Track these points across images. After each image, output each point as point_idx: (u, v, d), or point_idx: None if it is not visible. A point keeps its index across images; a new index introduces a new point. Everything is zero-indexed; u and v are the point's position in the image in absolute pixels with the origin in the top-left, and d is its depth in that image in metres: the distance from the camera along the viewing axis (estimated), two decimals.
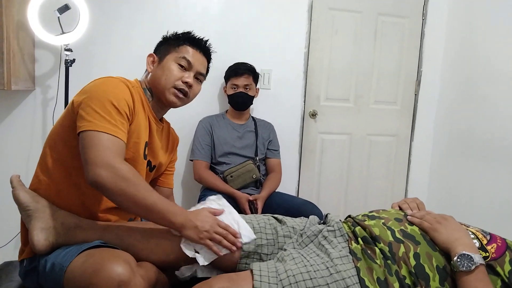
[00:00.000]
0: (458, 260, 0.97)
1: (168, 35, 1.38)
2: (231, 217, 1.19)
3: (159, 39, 2.42)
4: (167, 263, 1.15)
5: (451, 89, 2.88)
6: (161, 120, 1.41)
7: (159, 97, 1.31)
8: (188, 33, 1.36)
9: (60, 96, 2.33)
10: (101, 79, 1.18)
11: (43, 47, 2.35)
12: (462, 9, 2.80)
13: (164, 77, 1.27)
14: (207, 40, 1.38)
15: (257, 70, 2.46)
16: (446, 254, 1.02)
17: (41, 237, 1.07)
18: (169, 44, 1.33)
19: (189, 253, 1.10)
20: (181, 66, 1.29)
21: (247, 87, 2.37)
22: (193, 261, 1.11)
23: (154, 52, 1.37)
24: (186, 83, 1.28)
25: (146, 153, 1.29)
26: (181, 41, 1.32)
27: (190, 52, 1.30)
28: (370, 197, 3.02)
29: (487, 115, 2.51)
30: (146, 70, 1.35)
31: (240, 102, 2.39)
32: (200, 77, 1.35)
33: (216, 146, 2.35)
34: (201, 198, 2.24)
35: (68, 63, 2.20)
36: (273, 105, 2.73)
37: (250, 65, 2.42)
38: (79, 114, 1.08)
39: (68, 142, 1.15)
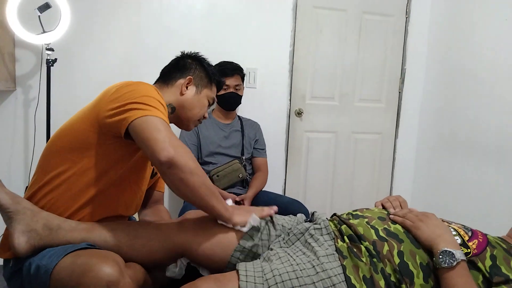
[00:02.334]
0: (440, 256, 0.98)
1: (195, 57, 1.43)
2: None
3: (143, 37, 2.44)
4: (152, 263, 1.15)
5: (435, 87, 2.92)
6: None
7: (180, 119, 1.39)
8: (216, 72, 1.45)
9: (42, 96, 2.29)
10: (133, 83, 1.17)
11: (24, 47, 2.31)
12: (444, 7, 2.84)
13: (198, 110, 1.38)
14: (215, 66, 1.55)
15: (243, 69, 2.45)
16: (430, 251, 1.04)
17: (22, 240, 1.06)
18: (203, 75, 1.40)
19: (247, 227, 1.18)
20: (209, 103, 1.44)
21: (237, 87, 2.36)
22: (178, 258, 1.15)
23: (186, 72, 1.38)
24: (205, 118, 1.45)
25: None
26: (214, 79, 1.43)
27: (215, 94, 1.47)
28: (356, 194, 3.05)
29: (471, 112, 2.55)
30: (169, 86, 1.36)
31: (232, 102, 2.39)
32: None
33: (202, 146, 2.34)
34: None
35: (50, 63, 2.16)
36: (259, 104, 2.73)
37: (238, 64, 2.41)
38: (123, 110, 1.08)
39: (87, 147, 1.14)
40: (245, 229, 1.16)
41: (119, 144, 1.14)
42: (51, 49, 2.15)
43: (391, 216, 1.17)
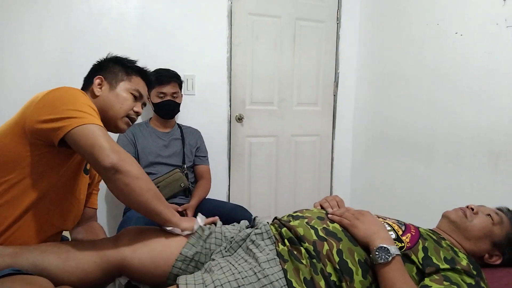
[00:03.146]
0: (377, 253, 1.02)
1: (111, 58, 1.36)
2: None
3: (72, 47, 2.32)
4: (88, 285, 1.09)
5: (366, 89, 3.07)
6: None
7: (105, 122, 1.29)
8: (135, 62, 1.37)
9: None
10: (61, 89, 1.13)
11: None
12: (372, 12, 2.99)
13: (119, 106, 1.29)
14: (151, 73, 1.44)
15: (180, 76, 2.41)
16: (367, 248, 1.07)
17: None
18: (117, 69, 1.32)
19: (196, 227, 1.21)
20: (134, 96, 1.32)
21: (174, 94, 2.31)
22: (115, 278, 1.12)
23: (98, 73, 1.31)
24: (137, 112, 1.33)
25: (88, 167, 1.31)
26: (132, 70, 1.34)
27: (141, 85, 1.36)
28: (299, 196, 3.12)
29: (400, 110, 2.70)
30: (89, 90, 1.30)
31: (170, 110, 2.33)
32: (143, 105, 1.39)
33: (140, 157, 2.26)
34: (126, 212, 2.14)
35: None
36: (198, 111, 2.70)
37: (174, 71, 2.36)
38: (58, 118, 1.05)
39: (16, 160, 1.09)
40: (195, 228, 1.19)
41: (51, 152, 1.11)
42: None
43: (329, 215, 1.20)
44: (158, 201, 1.13)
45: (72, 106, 1.07)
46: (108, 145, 1.05)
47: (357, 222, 1.12)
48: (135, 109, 1.32)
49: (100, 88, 1.29)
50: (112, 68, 1.32)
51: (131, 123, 1.34)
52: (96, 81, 1.29)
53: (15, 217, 1.09)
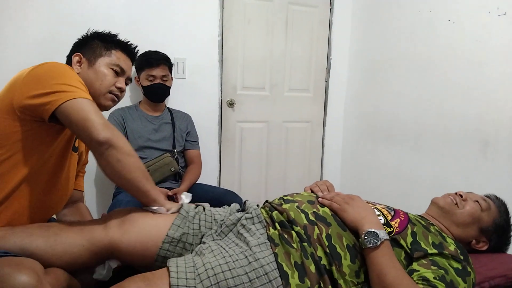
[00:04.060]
0: (365, 237, 1.03)
1: (90, 34, 1.32)
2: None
3: (58, 28, 2.25)
4: (77, 267, 1.09)
5: (358, 75, 3.06)
6: None
7: None
8: (116, 36, 1.33)
9: None
10: (48, 63, 1.12)
11: None
12: None
13: (99, 82, 1.25)
14: (136, 46, 1.38)
15: (170, 59, 2.37)
16: (356, 232, 1.08)
17: None
18: (96, 45, 1.28)
19: (180, 202, 1.26)
20: (114, 71, 1.28)
21: (164, 78, 2.28)
22: (105, 259, 1.12)
23: (78, 50, 1.28)
24: (119, 88, 1.28)
25: (77, 145, 1.31)
26: (112, 44, 1.30)
27: (122, 59, 1.30)
28: (289, 181, 3.13)
29: (391, 98, 2.70)
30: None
31: (159, 93, 2.30)
32: (128, 81, 1.34)
33: (130, 140, 2.23)
34: (116, 195, 2.13)
35: None
36: (189, 95, 2.67)
37: (164, 54, 2.32)
38: (47, 92, 1.03)
39: (3, 137, 1.07)
40: (179, 205, 1.21)
41: (40, 128, 1.10)
42: None
43: (319, 199, 1.20)
44: (147, 180, 1.15)
45: (60, 80, 1.06)
46: (101, 120, 1.05)
47: (347, 206, 1.12)
48: (118, 84, 1.27)
49: (79, 65, 1.26)
50: (91, 44, 1.28)
51: (116, 99, 1.29)
52: (75, 58, 1.26)
53: (4, 195, 1.08)
